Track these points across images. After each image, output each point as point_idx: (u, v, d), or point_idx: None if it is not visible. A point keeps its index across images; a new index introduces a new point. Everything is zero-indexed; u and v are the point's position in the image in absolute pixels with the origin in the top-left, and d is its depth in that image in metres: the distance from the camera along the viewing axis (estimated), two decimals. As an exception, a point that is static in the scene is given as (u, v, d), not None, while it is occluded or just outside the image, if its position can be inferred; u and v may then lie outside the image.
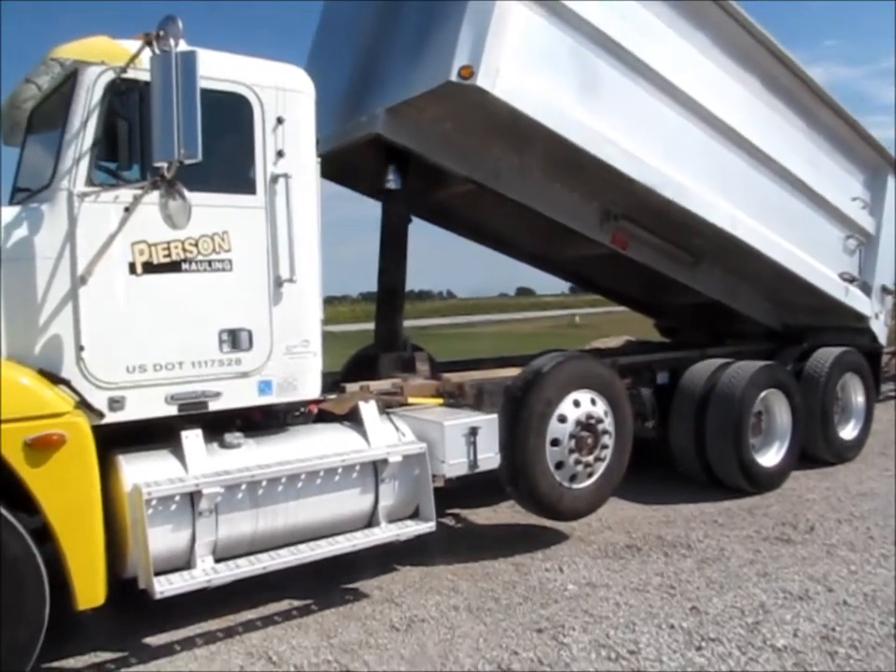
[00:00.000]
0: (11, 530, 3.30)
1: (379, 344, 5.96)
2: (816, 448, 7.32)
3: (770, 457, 6.70)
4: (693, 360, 6.89)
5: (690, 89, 5.84)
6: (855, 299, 7.52)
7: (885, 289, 7.85)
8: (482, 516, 6.16)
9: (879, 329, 7.95)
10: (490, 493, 6.20)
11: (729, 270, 7.22)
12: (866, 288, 7.63)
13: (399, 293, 6.14)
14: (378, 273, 6.13)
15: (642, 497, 6.33)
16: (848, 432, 7.69)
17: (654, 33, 5.63)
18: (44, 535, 3.44)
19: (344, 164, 5.98)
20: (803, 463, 7.13)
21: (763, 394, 6.55)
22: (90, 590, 3.48)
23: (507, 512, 6.14)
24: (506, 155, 5.77)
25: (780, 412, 6.77)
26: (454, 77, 4.65)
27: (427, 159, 5.52)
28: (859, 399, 7.78)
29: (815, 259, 7.02)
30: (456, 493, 5.33)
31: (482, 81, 4.67)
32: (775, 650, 3.71)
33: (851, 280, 7.44)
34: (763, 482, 6.56)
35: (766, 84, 6.43)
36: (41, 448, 3.32)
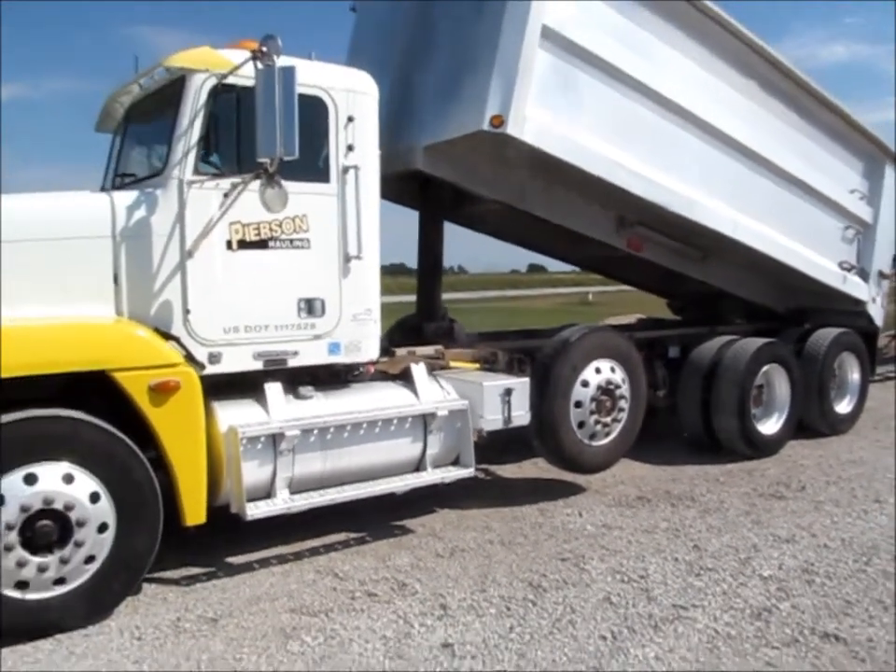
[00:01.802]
0: (137, 459, 4.03)
1: (421, 314, 6.66)
2: (812, 420, 7.98)
3: (770, 426, 7.38)
4: (702, 337, 7.56)
5: (697, 108, 6.39)
6: (853, 286, 8.13)
7: (882, 274, 8.46)
8: (508, 471, 6.87)
9: (876, 311, 8.57)
10: (515, 452, 6.95)
11: (734, 263, 7.77)
12: (864, 274, 8.25)
13: (438, 269, 6.83)
14: (419, 250, 6.80)
15: (653, 458, 7.03)
16: (844, 407, 8.35)
17: (660, 56, 6.16)
18: (156, 465, 4.18)
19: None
20: (800, 433, 7.81)
21: (764, 368, 7.21)
22: (195, 510, 4.23)
23: (531, 469, 6.85)
24: (530, 178, 6.28)
25: (780, 385, 7.43)
26: (486, 127, 5.22)
27: (458, 185, 6.11)
28: (854, 376, 8.42)
29: (814, 252, 7.63)
30: (485, 451, 6.02)
31: (511, 129, 5.23)
32: (761, 578, 4.42)
33: (850, 268, 8.05)
34: (763, 448, 7.24)
35: (765, 89, 6.98)
36: (161, 392, 4.04)
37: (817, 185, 7.52)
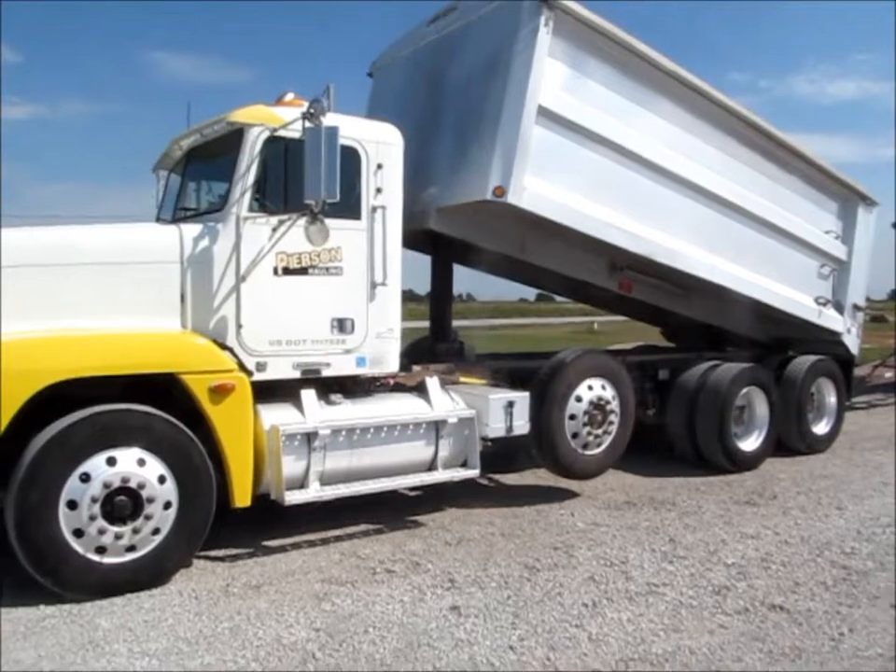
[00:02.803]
0: (196, 448, 4.79)
1: (434, 336, 7.44)
2: (792, 440, 8.69)
3: (750, 443, 8.11)
4: (690, 362, 8.31)
5: (677, 167, 7.19)
6: (828, 319, 8.87)
7: (856, 307, 9.20)
8: (510, 479, 7.60)
9: (851, 341, 9.30)
10: (518, 464, 7.69)
11: (717, 298, 8.43)
12: (839, 307, 9.00)
13: (449, 298, 7.65)
14: (431, 284, 7.60)
15: (642, 470, 7.75)
16: (821, 428, 9.07)
17: (643, 122, 6.95)
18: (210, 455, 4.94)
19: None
20: (781, 452, 8.52)
21: (744, 390, 7.95)
22: (243, 494, 4.99)
23: (531, 478, 7.58)
24: (529, 233, 7.04)
25: (759, 406, 8.17)
26: (489, 197, 6.03)
27: (466, 241, 6.92)
28: (831, 399, 9.14)
29: (791, 289, 8.39)
30: (490, 462, 6.72)
31: (511, 198, 6.04)
32: (725, 564, 5.14)
33: (825, 303, 8.80)
34: (743, 463, 7.95)
35: (743, 144, 7.79)
36: (219, 392, 4.83)
37: (793, 229, 8.31)
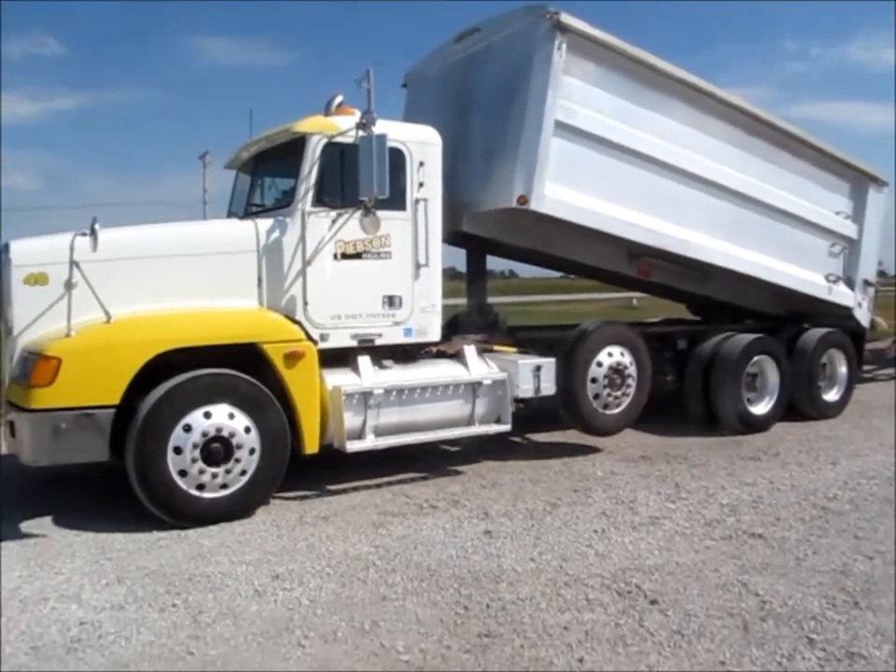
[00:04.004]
0: (274, 405, 5.81)
1: (471, 309, 8.36)
2: (803, 406, 9.41)
3: (761, 408, 8.88)
4: (708, 333, 9.08)
5: (688, 163, 7.89)
6: (839, 294, 9.53)
7: (867, 282, 9.83)
8: (540, 437, 8.52)
9: (862, 315, 9.94)
10: (547, 425, 8.59)
11: (732, 279, 9.05)
12: (850, 283, 9.64)
13: (484, 278, 8.56)
14: (467, 268, 8.53)
15: (659, 431, 8.58)
16: (832, 395, 9.75)
17: (653, 124, 7.65)
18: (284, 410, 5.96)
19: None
20: (794, 417, 9.27)
21: (755, 359, 8.72)
22: (312, 442, 6.02)
23: (559, 436, 8.47)
24: (554, 229, 7.66)
25: (771, 373, 8.92)
26: (514, 204, 6.87)
27: (497, 240, 7.79)
28: (842, 369, 9.81)
29: (802, 269, 9.07)
30: (522, 423, 7.65)
31: (534, 205, 6.87)
32: (720, 504, 6.00)
33: (836, 280, 9.46)
34: (754, 425, 8.74)
35: (752, 135, 8.45)
36: (292, 358, 5.85)
37: (803, 213, 8.98)
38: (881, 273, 11.53)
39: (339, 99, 6.66)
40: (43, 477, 6.70)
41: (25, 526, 5.64)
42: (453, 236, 7.47)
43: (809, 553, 4.97)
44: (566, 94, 7.03)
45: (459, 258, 8.75)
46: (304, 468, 6.33)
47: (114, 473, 6.04)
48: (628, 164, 7.58)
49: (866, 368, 12.11)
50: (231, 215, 7.41)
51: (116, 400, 5.29)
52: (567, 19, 6.87)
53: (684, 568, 4.71)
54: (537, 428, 8.56)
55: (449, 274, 7.28)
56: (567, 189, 7.15)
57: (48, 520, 5.80)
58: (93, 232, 5.19)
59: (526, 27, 7.05)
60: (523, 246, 7.99)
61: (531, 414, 7.77)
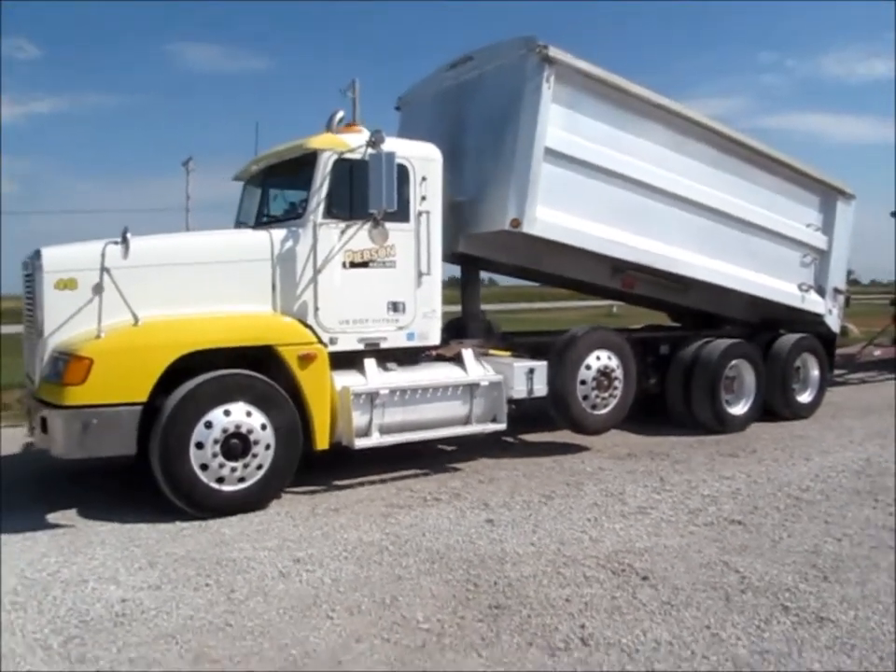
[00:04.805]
0: (288, 404, 6.20)
1: (466, 316, 8.80)
2: (778, 407, 9.94)
3: (739, 409, 9.40)
4: (688, 339, 9.59)
5: (668, 184, 8.41)
6: (811, 303, 10.11)
7: (837, 290, 10.42)
8: (532, 438, 8.96)
9: (833, 321, 10.52)
10: (537, 428, 9.05)
11: (710, 290, 9.47)
12: (821, 291, 10.22)
13: (477, 287, 8.99)
14: (461, 279, 8.95)
15: (644, 431, 9.07)
16: (805, 397, 10.30)
17: (636, 147, 8.15)
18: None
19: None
20: (770, 418, 9.79)
21: (733, 362, 9.24)
22: (322, 438, 6.41)
23: (550, 436, 8.92)
24: (543, 248, 8.05)
25: (748, 376, 9.45)
26: (507, 227, 7.33)
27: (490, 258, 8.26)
28: (814, 373, 10.37)
29: (776, 280, 9.63)
30: (515, 425, 8.07)
31: (526, 228, 7.35)
32: (702, 495, 6.48)
33: (808, 288, 10.03)
34: (732, 425, 9.25)
35: (726, 153, 8.99)
36: (305, 360, 6.25)
37: (776, 227, 9.55)
38: (854, 283, 12.10)
39: (340, 115, 7.11)
40: (63, 473, 7.05)
41: (52, 518, 5.99)
42: (449, 255, 7.85)
43: (784, 536, 5.45)
44: (554, 122, 7.49)
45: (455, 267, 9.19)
46: (311, 465, 6.71)
47: (131, 471, 6.41)
48: (613, 186, 8.06)
49: (837, 372, 12.71)
50: (239, 224, 7.80)
51: (143, 398, 5.66)
52: (555, 52, 7.35)
53: (671, 550, 5.17)
54: (528, 430, 9.01)
55: (447, 284, 7.70)
56: (557, 211, 7.61)
57: (72, 512, 6.14)
58: (125, 241, 5.57)
59: (517, 60, 7.48)
60: (514, 264, 8.43)
61: (520, 416, 8.20)
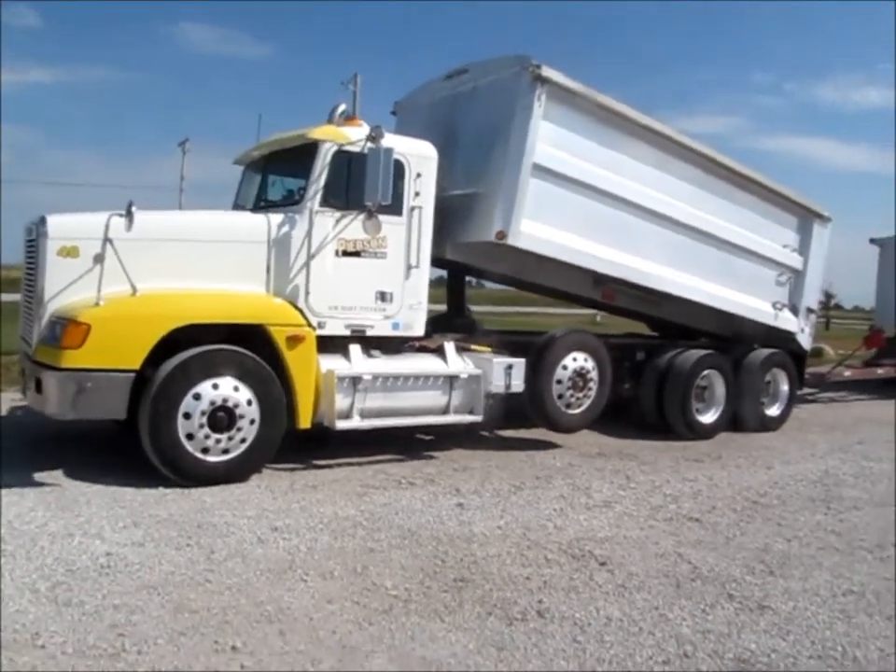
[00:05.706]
0: (274, 382, 6.45)
1: (450, 311, 9.08)
2: (747, 418, 10.25)
3: (708, 417, 9.74)
4: (664, 347, 9.91)
5: (650, 201, 8.67)
6: (784, 321, 10.45)
7: (809, 310, 10.79)
8: (508, 433, 9.25)
9: (804, 339, 10.87)
10: (514, 423, 9.33)
11: (686, 304, 9.67)
12: (795, 310, 10.57)
13: (463, 286, 9.29)
14: (447, 280, 9.25)
15: (616, 433, 9.38)
16: (774, 410, 10.64)
17: (620, 164, 8.41)
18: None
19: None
20: (738, 428, 10.12)
21: (704, 372, 9.57)
22: (306, 417, 6.66)
23: (525, 433, 9.21)
24: (526, 258, 8.22)
25: (718, 387, 9.78)
26: (493, 239, 7.57)
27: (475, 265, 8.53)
28: (784, 387, 10.72)
29: (751, 297, 9.94)
30: (490, 421, 8.29)
31: (511, 240, 7.58)
32: (664, 494, 6.79)
33: (782, 307, 10.37)
34: (701, 432, 9.58)
35: (707, 173, 9.29)
36: (294, 341, 6.49)
37: (753, 246, 9.88)
38: (837, 307, 12.46)
39: (342, 108, 7.36)
40: (47, 434, 7.26)
41: (38, 477, 6.20)
42: (436, 260, 8.04)
43: (737, 534, 5.76)
44: (543, 139, 7.74)
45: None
46: (293, 445, 6.95)
47: (116, 439, 6.64)
48: (596, 202, 8.32)
49: (808, 391, 13.11)
50: (237, 207, 8.03)
51: (136, 366, 5.89)
52: (547, 72, 7.62)
53: (630, 541, 5.46)
54: (503, 426, 9.29)
55: (434, 284, 7.95)
56: (542, 224, 7.86)
57: (58, 473, 6.36)
58: (129, 214, 5.80)
59: (511, 76, 7.74)
60: (499, 272, 8.71)
61: (497, 411, 8.46)
